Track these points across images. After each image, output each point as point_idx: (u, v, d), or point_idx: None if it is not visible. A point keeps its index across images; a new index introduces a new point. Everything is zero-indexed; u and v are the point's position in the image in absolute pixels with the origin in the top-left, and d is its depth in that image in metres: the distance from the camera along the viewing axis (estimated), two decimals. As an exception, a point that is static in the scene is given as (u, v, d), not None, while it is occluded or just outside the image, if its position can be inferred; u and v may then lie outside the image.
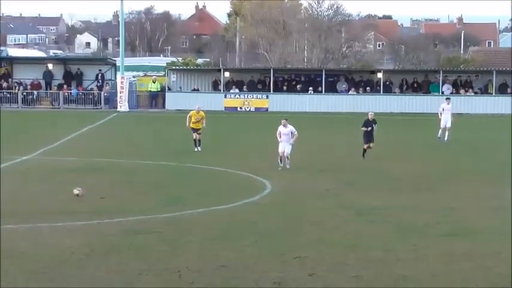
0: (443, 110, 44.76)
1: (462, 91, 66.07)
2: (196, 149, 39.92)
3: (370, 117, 37.80)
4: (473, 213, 25.89)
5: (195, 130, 40.35)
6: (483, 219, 24.95)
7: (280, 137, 34.32)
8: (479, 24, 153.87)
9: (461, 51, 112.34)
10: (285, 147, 34.12)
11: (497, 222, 24.29)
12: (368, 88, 67.13)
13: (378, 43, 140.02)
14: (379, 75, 67.90)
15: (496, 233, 22.81)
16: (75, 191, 27.25)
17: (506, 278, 18.18)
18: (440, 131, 44.60)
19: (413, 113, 63.19)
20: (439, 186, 30.92)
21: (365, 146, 37.10)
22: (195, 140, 40.34)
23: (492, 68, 69.30)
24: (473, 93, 66.44)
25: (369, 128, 37.15)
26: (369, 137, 37.21)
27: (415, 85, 67.76)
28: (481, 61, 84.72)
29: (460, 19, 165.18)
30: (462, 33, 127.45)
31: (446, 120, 44.40)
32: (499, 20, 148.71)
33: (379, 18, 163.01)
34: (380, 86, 66.87)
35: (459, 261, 19.63)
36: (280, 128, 34.40)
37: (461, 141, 44.74)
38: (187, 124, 40.57)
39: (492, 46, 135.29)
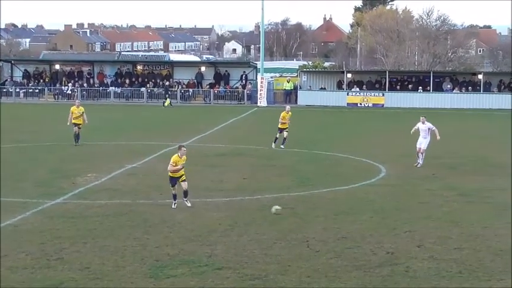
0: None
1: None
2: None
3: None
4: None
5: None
6: None
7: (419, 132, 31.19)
8: None
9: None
10: (421, 143, 31.08)
11: None
12: (470, 88, 65.77)
13: (478, 49, 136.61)
14: (480, 76, 66.55)
15: None
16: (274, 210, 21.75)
17: None
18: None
19: (509, 109, 61.41)
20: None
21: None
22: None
23: None
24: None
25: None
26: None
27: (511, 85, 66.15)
28: None
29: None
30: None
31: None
32: None
33: (480, 27, 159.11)
34: (480, 86, 65.47)
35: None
36: (419, 125, 31.45)
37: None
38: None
39: None
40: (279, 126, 36.90)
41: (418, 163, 31.04)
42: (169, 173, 22.09)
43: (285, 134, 36.58)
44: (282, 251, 17.48)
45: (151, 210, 22.02)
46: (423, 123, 31.49)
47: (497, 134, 44.48)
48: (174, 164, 21.88)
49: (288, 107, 38.44)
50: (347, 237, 18.86)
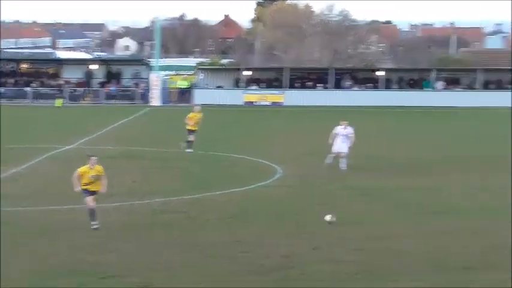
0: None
1: (451, 86, 66.14)
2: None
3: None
4: (458, 193, 25.75)
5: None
6: (465, 199, 24.83)
7: (335, 137, 31.06)
8: (468, 28, 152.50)
9: (452, 52, 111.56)
10: (342, 148, 30.81)
11: (478, 202, 24.16)
12: (370, 84, 67.03)
13: (379, 45, 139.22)
14: (380, 73, 67.79)
15: (477, 211, 22.69)
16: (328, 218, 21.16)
17: (487, 251, 17.97)
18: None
19: (409, 106, 62.70)
20: (429, 170, 30.81)
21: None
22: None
23: (478, 67, 68.83)
24: (461, 89, 66.35)
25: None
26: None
27: (411, 82, 67.69)
28: (468, 61, 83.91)
29: (452, 23, 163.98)
30: (453, 36, 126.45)
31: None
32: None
33: (382, 23, 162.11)
34: (380, 83, 66.82)
35: (445, 237, 19.46)
36: (338, 129, 31.09)
37: (454, 128, 44.47)
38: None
39: (479, 47, 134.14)
40: (188, 128, 35.63)
41: (327, 164, 30.93)
42: (82, 186, 20.40)
43: (192, 137, 35.39)
44: (171, 257, 17.36)
45: (35, 217, 21.58)
46: (345, 128, 31.18)
47: (399, 131, 45.39)
48: (78, 175, 20.23)
49: (197, 107, 37.27)
50: (241, 241, 18.87)
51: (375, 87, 66.79)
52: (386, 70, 70.72)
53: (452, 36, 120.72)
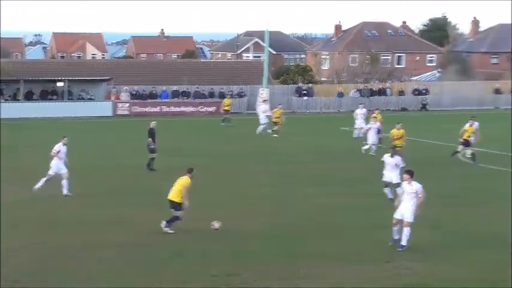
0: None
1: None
2: None
3: None
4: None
5: None
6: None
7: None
8: (9, 38, 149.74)
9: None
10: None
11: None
12: None
13: None
14: None
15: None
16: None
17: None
18: None
19: None
20: None
21: None
22: None
23: (20, 78, 66.70)
24: (3, 100, 63.82)
25: None
26: None
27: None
28: (9, 71, 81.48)
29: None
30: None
31: None
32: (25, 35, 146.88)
33: None
34: None
35: None
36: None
37: None
38: None
39: (20, 58, 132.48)
40: None
41: None
42: None
43: None
44: None
45: None
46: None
47: None
48: None
49: None
50: None
51: None
52: None
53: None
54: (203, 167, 32.10)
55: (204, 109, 67.33)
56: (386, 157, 28.27)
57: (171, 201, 24.11)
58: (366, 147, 42.22)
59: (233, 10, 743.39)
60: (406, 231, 21.92)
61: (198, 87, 69.65)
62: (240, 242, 23.08)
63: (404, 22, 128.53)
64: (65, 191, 29.47)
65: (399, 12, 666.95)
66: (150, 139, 36.02)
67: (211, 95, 69.66)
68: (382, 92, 73.55)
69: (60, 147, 30.07)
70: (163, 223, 23.96)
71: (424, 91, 74.68)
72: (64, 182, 29.55)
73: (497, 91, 75.23)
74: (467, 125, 39.93)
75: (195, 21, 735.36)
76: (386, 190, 28.44)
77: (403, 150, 35.47)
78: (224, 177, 34.92)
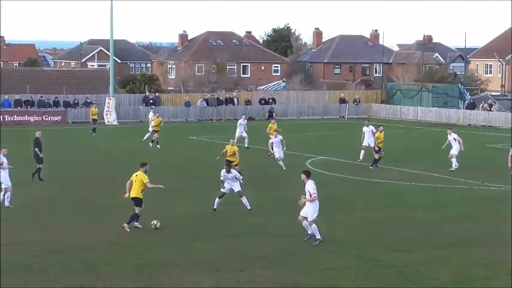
0: None
1: None
2: None
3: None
4: None
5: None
6: None
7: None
8: None
9: None
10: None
11: None
12: None
13: None
14: None
15: None
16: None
17: None
18: None
19: None
20: None
21: None
22: None
23: None
24: None
25: None
26: None
27: None
28: None
29: None
30: None
31: None
32: None
33: None
34: None
35: None
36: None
37: None
38: None
39: None
40: None
41: None
42: None
43: None
44: None
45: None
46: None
47: None
48: None
49: None
50: None
51: None
52: None
53: None
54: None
55: (49, 118, 66.06)
56: (223, 173, 29.02)
57: (134, 199, 25.30)
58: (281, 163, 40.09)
59: (77, 18, 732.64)
60: (312, 227, 24.20)
61: (42, 96, 68.28)
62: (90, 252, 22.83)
63: (249, 32, 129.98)
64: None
65: (243, 22, 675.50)
66: (37, 149, 35.76)
67: (56, 104, 68.41)
68: (229, 102, 74.25)
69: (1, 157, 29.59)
70: (125, 225, 25.07)
71: (270, 100, 75.85)
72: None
73: (343, 100, 77.09)
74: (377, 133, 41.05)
75: (36, 29, 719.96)
76: (218, 200, 29.23)
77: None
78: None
